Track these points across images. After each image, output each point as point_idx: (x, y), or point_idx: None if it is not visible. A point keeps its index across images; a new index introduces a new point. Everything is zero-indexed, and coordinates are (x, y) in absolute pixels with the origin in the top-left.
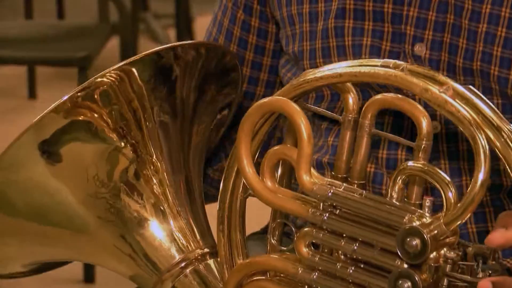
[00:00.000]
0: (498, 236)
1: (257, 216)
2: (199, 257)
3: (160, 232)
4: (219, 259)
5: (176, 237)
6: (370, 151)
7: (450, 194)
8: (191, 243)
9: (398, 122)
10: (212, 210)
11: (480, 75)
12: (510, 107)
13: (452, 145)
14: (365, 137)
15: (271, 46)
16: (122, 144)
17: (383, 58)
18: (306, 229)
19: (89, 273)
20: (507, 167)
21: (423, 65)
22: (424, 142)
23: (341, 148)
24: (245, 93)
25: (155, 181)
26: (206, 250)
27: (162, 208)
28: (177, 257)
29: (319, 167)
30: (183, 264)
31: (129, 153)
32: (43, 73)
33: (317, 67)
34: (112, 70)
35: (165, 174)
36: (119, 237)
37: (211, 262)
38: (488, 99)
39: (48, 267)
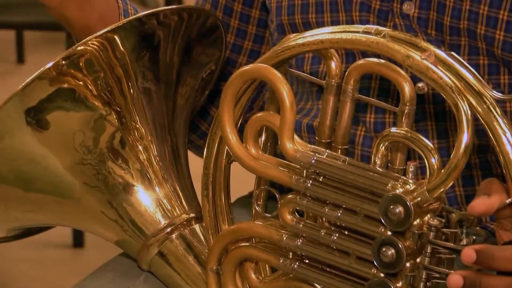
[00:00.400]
0: (479, 203)
1: (245, 179)
2: (184, 222)
3: (146, 198)
4: (204, 225)
5: (161, 202)
6: (353, 116)
7: (433, 160)
8: (177, 208)
9: (384, 87)
10: (197, 174)
11: (467, 34)
12: (496, 67)
13: (439, 106)
14: (348, 102)
15: (256, 15)
16: (107, 111)
17: (373, 15)
18: (289, 196)
19: (78, 237)
20: (489, 132)
21: (411, 23)
22: (407, 107)
23: (324, 113)
24: (228, 60)
25: (140, 147)
26: (191, 215)
27: (147, 173)
28: (163, 222)
29: (309, 130)
30: (169, 230)
31: (114, 120)
32: (31, 38)
33: (309, 22)
34: (94, 37)
35: (149, 139)
36: (104, 203)
37: (196, 226)
38: (474, 59)
39: (32, 232)
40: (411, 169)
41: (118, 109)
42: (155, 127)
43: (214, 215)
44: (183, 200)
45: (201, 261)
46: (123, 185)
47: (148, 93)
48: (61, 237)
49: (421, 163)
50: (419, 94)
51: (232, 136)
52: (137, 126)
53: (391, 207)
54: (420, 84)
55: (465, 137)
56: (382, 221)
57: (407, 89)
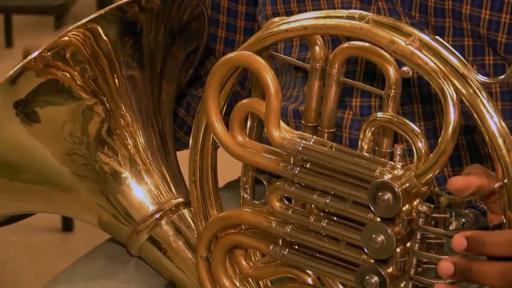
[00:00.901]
0: (459, 178)
1: (233, 164)
2: (173, 207)
3: (134, 184)
4: (192, 210)
5: (150, 188)
6: (340, 100)
7: (420, 144)
8: (165, 194)
9: (370, 71)
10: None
11: (451, 14)
12: (481, 48)
13: (424, 89)
14: (334, 86)
15: (243, 9)
16: (92, 100)
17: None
18: (277, 183)
19: (67, 222)
20: (475, 115)
21: (395, 6)
22: (392, 90)
23: (310, 97)
24: (225, 40)
25: (126, 134)
26: (180, 200)
27: (135, 160)
28: (152, 208)
29: (296, 116)
30: (158, 215)
31: (99, 109)
32: (19, 22)
33: (292, 12)
34: (76, 28)
35: (136, 126)
36: (93, 191)
37: (185, 211)
38: (459, 41)
39: (17, 218)
40: (398, 152)
41: (103, 98)
42: (140, 113)
43: (202, 200)
44: (171, 185)
45: (191, 246)
46: (111, 173)
47: (133, 80)
48: (50, 221)
49: (408, 145)
50: (405, 77)
51: (217, 124)
52: (122, 113)
53: (380, 193)
54: (405, 68)
55: (452, 122)
56: (371, 208)
57: (392, 72)
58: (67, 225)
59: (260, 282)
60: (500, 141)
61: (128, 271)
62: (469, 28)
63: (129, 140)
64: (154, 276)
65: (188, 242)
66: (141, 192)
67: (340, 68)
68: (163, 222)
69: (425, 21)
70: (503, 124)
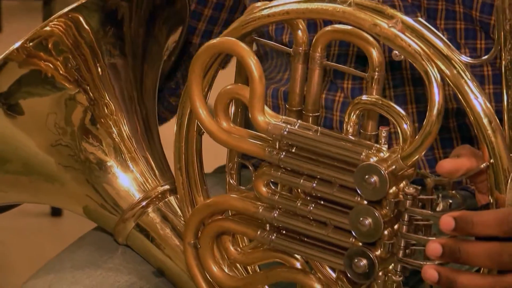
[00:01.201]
0: (448, 161)
1: (220, 150)
2: (159, 195)
3: (120, 173)
4: (179, 197)
5: (135, 176)
6: (331, 83)
7: (405, 126)
8: (151, 181)
9: (362, 54)
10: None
11: None
12: (473, 32)
13: (416, 71)
14: (317, 69)
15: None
16: (75, 89)
17: None
18: (264, 168)
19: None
20: (460, 96)
21: None
22: (376, 73)
23: (294, 81)
24: (204, 32)
25: (110, 123)
26: (166, 187)
27: (120, 148)
28: (138, 196)
29: (286, 99)
30: (144, 203)
31: (83, 98)
32: (8, 6)
33: None
34: (57, 17)
35: (119, 114)
36: (79, 180)
37: (171, 198)
38: (451, 24)
39: (5, 209)
40: (383, 135)
41: (87, 87)
42: (124, 101)
43: (188, 187)
44: (156, 173)
45: (178, 233)
46: (96, 162)
47: (115, 68)
48: (39, 206)
49: (394, 127)
50: (396, 61)
51: (202, 110)
52: (106, 101)
53: (366, 176)
54: (396, 51)
55: (436, 103)
56: (358, 191)
57: (375, 54)
58: (56, 209)
59: (248, 267)
60: (485, 121)
61: (116, 259)
62: (462, 11)
63: (113, 129)
64: (141, 264)
65: (175, 229)
66: (127, 180)
67: (323, 52)
68: (149, 209)
69: (418, 3)
70: (488, 104)
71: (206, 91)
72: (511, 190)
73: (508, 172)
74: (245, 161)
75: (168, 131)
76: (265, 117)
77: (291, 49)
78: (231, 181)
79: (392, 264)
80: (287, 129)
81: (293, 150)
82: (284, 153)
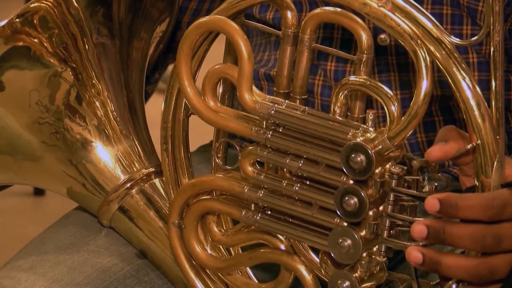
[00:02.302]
0: (436, 149)
1: (204, 131)
2: (144, 177)
3: (105, 154)
4: (164, 179)
5: (120, 158)
6: (313, 64)
7: (393, 108)
8: (136, 163)
9: (348, 37)
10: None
11: None
12: (459, 18)
13: (402, 57)
14: (306, 52)
15: None
16: (62, 68)
17: None
18: (250, 147)
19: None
20: (448, 78)
21: None
22: (364, 55)
23: (282, 64)
24: (194, 11)
25: (97, 103)
26: (151, 169)
27: (105, 129)
28: (123, 177)
29: (268, 79)
30: (128, 185)
31: (70, 77)
32: None
33: None
34: None
35: (106, 95)
36: (63, 160)
37: (156, 181)
38: (438, 9)
39: None
40: (370, 117)
41: (74, 65)
42: (111, 82)
43: (174, 169)
44: (142, 155)
45: (162, 216)
46: (81, 142)
47: (103, 48)
48: (21, 185)
49: (382, 112)
50: (382, 45)
51: (190, 89)
52: (94, 82)
53: (353, 155)
54: (382, 36)
55: (424, 84)
56: (344, 170)
57: (364, 37)
58: (39, 189)
59: (231, 249)
60: (473, 102)
61: (99, 241)
62: None
63: (99, 109)
64: (124, 246)
65: (159, 211)
66: (112, 162)
67: (312, 34)
68: (134, 191)
69: None
70: (476, 86)
71: (194, 70)
72: (496, 174)
73: (494, 155)
74: (232, 141)
75: (154, 112)
76: (253, 96)
77: (280, 32)
78: (217, 161)
79: (377, 245)
80: (274, 109)
81: (280, 130)
82: (271, 133)
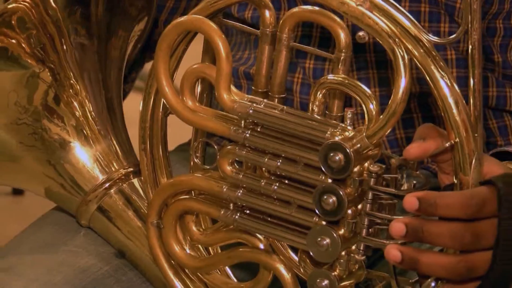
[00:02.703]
0: (415, 147)
1: (183, 130)
2: (122, 176)
3: (83, 154)
4: (142, 179)
5: (99, 158)
6: (291, 62)
7: (371, 106)
8: (114, 163)
9: (327, 35)
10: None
11: None
12: (437, 15)
13: (380, 54)
14: (284, 51)
15: None
16: (40, 68)
17: None
18: (228, 147)
19: None
20: (426, 76)
21: None
22: (343, 53)
23: (260, 63)
24: (171, 9)
25: (75, 103)
26: (129, 169)
27: (83, 130)
28: (101, 177)
29: (248, 77)
30: (107, 185)
31: (48, 77)
32: None
33: None
34: None
35: (84, 95)
36: (42, 161)
37: (135, 181)
38: (415, 6)
39: None
40: (349, 116)
41: (52, 66)
42: (90, 82)
43: (152, 168)
44: (120, 155)
45: (141, 215)
46: (59, 142)
47: (81, 48)
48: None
49: (359, 110)
50: (360, 43)
51: (168, 89)
52: (72, 82)
53: (331, 154)
54: (361, 33)
55: (402, 82)
56: (323, 169)
57: (342, 35)
58: (18, 188)
59: (210, 248)
60: (451, 100)
61: (77, 241)
62: None
63: (78, 110)
64: (103, 245)
65: (138, 211)
66: (90, 162)
67: (290, 33)
68: (112, 191)
69: None
70: (454, 84)
71: (173, 70)
72: (475, 171)
73: (473, 152)
74: (210, 140)
75: (132, 110)
76: (231, 96)
77: (259, 31)
78: (196, 160)
79: (356, 244)
80: (252, 108)
81: (259, 129)
82: (249, 132)
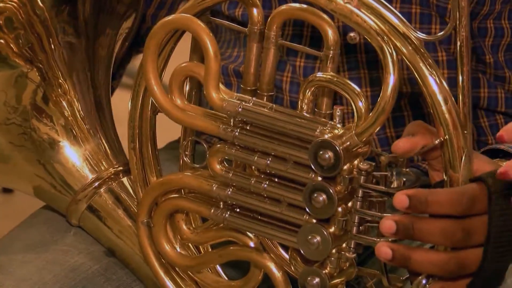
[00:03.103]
0: (403, 141)
1: (171, 129)
2: (112, 175)
3: (72, 153)
4: (132, 177)
5: (88, 157)
6: (281, 60)
7: (360, 104)
8: (104, 162)
9: (318, 34)
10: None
11: None
12: (428, 17)
13: (371, 55)
14: (272, 49)
15: None
16: (28, 68)
17: None
18: (218, 145)
19: None
20: (415, 73)
21: None
22: (331, 51)
23: (249, 61)
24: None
25: (63, 102)
26: (119, 168)
27: (72, 129)
28: (91, 176)
29: (238, 75)
30: (96, 184)
31: (36, 77)
32: None
33: None
34: None
35: (73, 94)
36: (31, 161)
37: (124, 180)
38: (407, 8)
39: None
40: (338, 114)
41: (40, 65)
42: (78, 81)
43: (141, 167)
44: (109, 154)
45: (131, 214)
46: (49, 142)
47: (69, 47)
48: None
49: (350, 108)
50: (352, 43)
51: (156, 88)
52: (60, 81)
53: (321, 152)
54: (352, 34)
55: (391, 80)
56: (312, 167)
57: (330, 33)
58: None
59: (200, 247)
60: (440, 97)
61: (67, 240)
62: None
63: (66, 109)
64: (93, 244)
65: (128, 210)
66: (79, 161)
67: (278, 31)
68: (102, 190)
69: None
70: (443, 81)
71: (161, 69)
72: (465, 168)
73: (462, 150)
74: (199, 138)
75: (121, 109)
76: (220, 94)
77: (246, 29)
78: (185, 159)
79: (346, 242)
80: (241, 106)
81: (248, 127)
82: (238, 130)
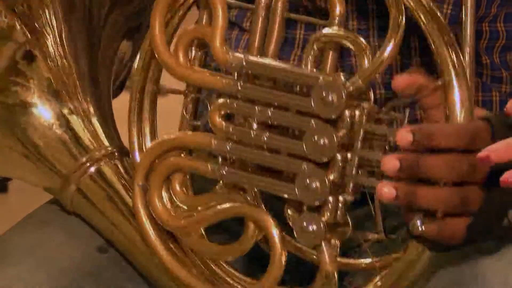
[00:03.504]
0: (404, 76)
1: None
2: (105, 157)
3: (64, 134)
4: (129, 146)
5: (80, 137)
6: (282, 35)
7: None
8: (97, 144)
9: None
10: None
11: None
12: None
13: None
14: (278, 21)
15: None
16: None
17: None
18: (220, 100)
19: (0, 182)
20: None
21: None
22: (337, 19)
23: (253, 33)
24: None
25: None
26: (113, 149)
27: (67, 108)
28: (84, 159)
29: None
30: (88, 164)
31: (21, 33)
32: None
33: None
34: None
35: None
36: (19, 142)
37: (117, 162)
38: None
39: None
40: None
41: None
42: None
43: (140, 128)
44: (103, 135)
45: (123, 196)
46: (36, 118)
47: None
48: None
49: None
50: None
51: (162, 46)
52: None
53: (323, 94)
54: None
55: (398, 25)
56: (314, 109)
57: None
58: (1, 186)
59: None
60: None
61: (61, 238)
62: None
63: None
64: (87, 242)
65: (119, 192)
66: (72, 142)
67: (284, 3)
68: (92, 170)
69: None
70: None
71: (170, 38)
72: (467, 112)
73: (465, 93)
74: (201, 95)
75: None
76: (225, 47)
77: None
78: (186, 115)
79: (346, 185)
80: (247, 58)
81: (252, 80)
82: (242, 83)
